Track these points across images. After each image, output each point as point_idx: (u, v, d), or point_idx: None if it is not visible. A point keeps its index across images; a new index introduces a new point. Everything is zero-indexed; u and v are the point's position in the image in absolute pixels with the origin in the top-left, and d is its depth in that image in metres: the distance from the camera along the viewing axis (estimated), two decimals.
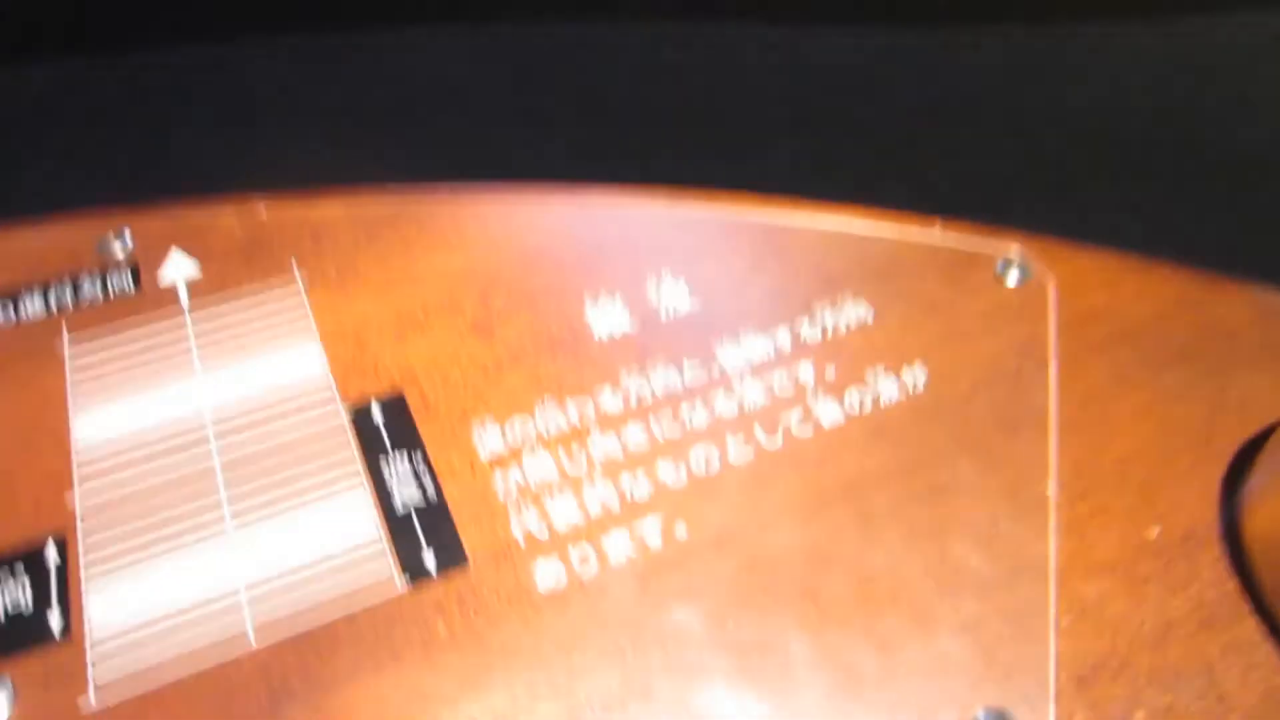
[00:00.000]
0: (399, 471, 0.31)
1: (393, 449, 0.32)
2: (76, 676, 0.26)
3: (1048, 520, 0.29)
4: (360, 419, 0.32)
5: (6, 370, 0.34)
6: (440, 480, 0.31)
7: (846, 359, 0.33)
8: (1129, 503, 0.29)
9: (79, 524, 0.30)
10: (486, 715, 0.25)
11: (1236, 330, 0.33)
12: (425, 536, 0.30)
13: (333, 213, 0.40)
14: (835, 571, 0.28)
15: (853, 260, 0.37)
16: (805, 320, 0.35)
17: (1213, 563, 0.27)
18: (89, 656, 0.27)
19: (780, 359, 0.34)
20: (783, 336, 0.34)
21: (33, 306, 0.36)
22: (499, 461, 0.31)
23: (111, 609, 0.28)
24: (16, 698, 0.26)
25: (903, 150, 0.57)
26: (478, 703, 0.25)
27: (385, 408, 0.33)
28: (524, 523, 0.30)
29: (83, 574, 0.28)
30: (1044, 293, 0.35)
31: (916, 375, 0.33)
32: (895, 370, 0.33)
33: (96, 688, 0.26)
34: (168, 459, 0.31)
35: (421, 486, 0.31)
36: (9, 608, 0.28)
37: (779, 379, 0.33)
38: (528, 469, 0.31)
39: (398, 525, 0.30)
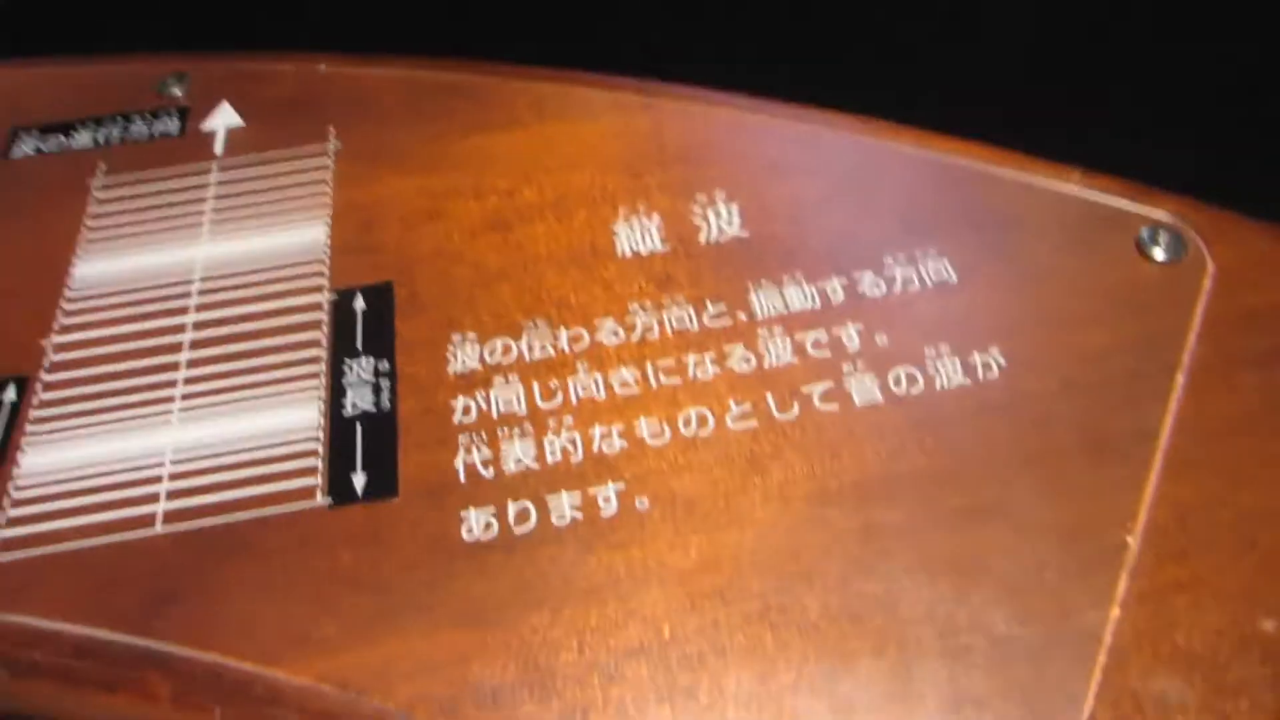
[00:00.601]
0: (360, 373, 0.27)
1: (362, 347, 0.28)
2: None
3: (1118, 580, 0.21)
4: (341, 306, 0.29)
5: (37, 200, 0.33)
6: (400, 392, 0.26)
7: (905, 327, 0.26)
8: (1242, 579, 0.21)
9: (42, 372, 0.27)
10: (361, 670, 0.21)
11: None
12: (364, 455, 0.25)
13: (389, 78, 0.36)
14: (812, 593, 0.21)
15: (950, 204, 0.29)
16: (869, 272, 0.27)
17: None
18: (4, 510, 0.24)
19: (824, 315, 0.27)
20: (835, 288, 0.27)
21: (80, 139, 0.36)
22: (467, 382, 0.26)
23: (40, 467, 0.26)
24: None
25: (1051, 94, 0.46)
26: (356, 653, 0.21)
27: (369, 298, 0.29)
28: (471, 457, 0.25)
29: (27, 426, 0.26)
30: (1197, 277, 0.26)
31: (991, 360, 0.25)
32: (964, 350, 0.25)
33: (1, 541, 0.24)
34: (144, 322, 0.29)
35: (378, 395, 0.26)
36: None
37: (814, 339, 0.26)
38: (495, 396, 0.26)
39: (340, 436, 0.26)
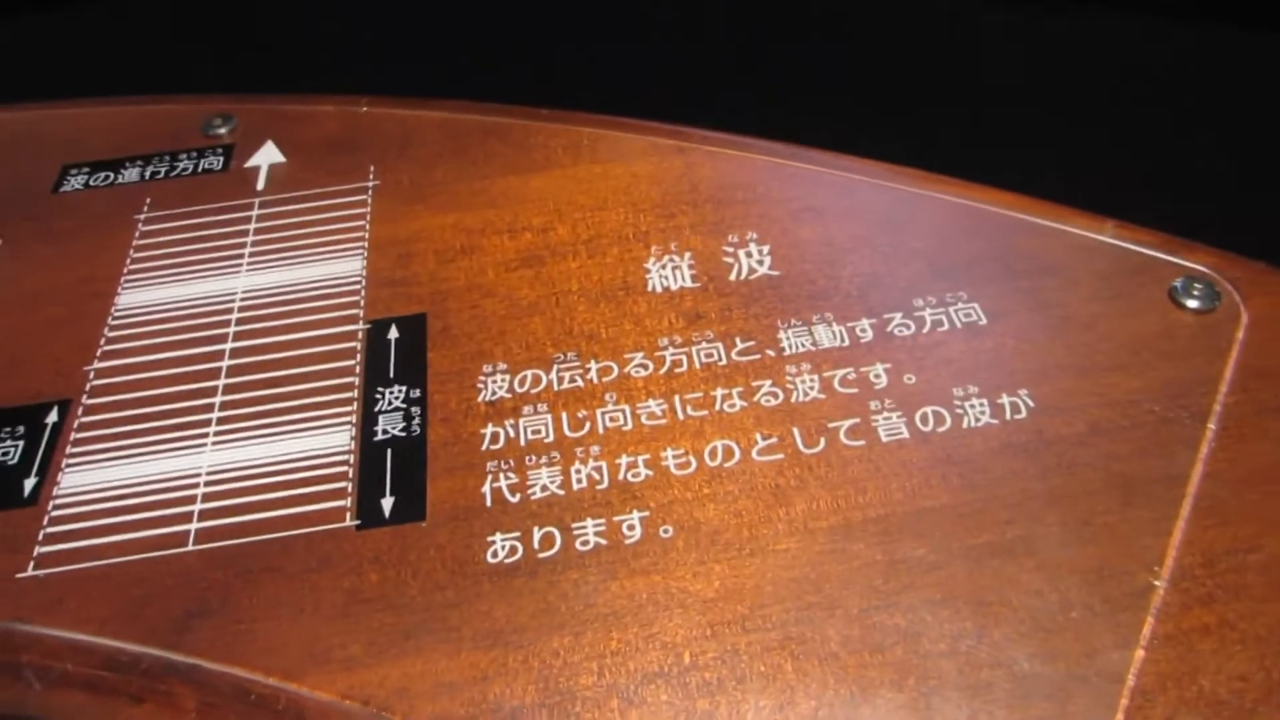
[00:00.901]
0: (392, 401, 0.28)
1: (395, 375, 0.29)
2: (27, 543, 0.25)
3: (1144, 622, 0.21)
4: (375, 336, 0.30)
5: (86, 232, 0.35)
6: (430, 420, 0.27)
7: (933, 367, 0.27)
8: (1269, 625, 0.21)
9: (84, 396, 0.29)
10: (384, 688, 0.22)
11: None
12: (393, 480, 0.26)
13: (429, 119, 0.38)
14: (833, 624, 0.22)
15: (982, 250, 0.30)
16: (898, 314, 0.28)
17: None
18: (43, 526, 0.25)
19: (852, 353, 0.28)
20: (864, 328, 0.28)
21: (129, 175, 0.38)
22: (497, 411, 0.27)
23: (79, 485, 0.28)
24: None
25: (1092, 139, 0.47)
26: (379, 670, 0.22)
27: (403, 328, 0.30)
28: (498, 483, 0.26)
29: (70, 444, 0.27)
30: (1230, 327, 0.27)
31: (1020, 401, 0.26)
32: (992, 391, 0.26)
33: (37, 557, 0.25)
34: (184, 350, 0.31)
35: (408, 422, 0.28)
36: None
37: (842, 376, 0.27)
38: (524, 425, 0.27)
39: (370, 460, 0.27)
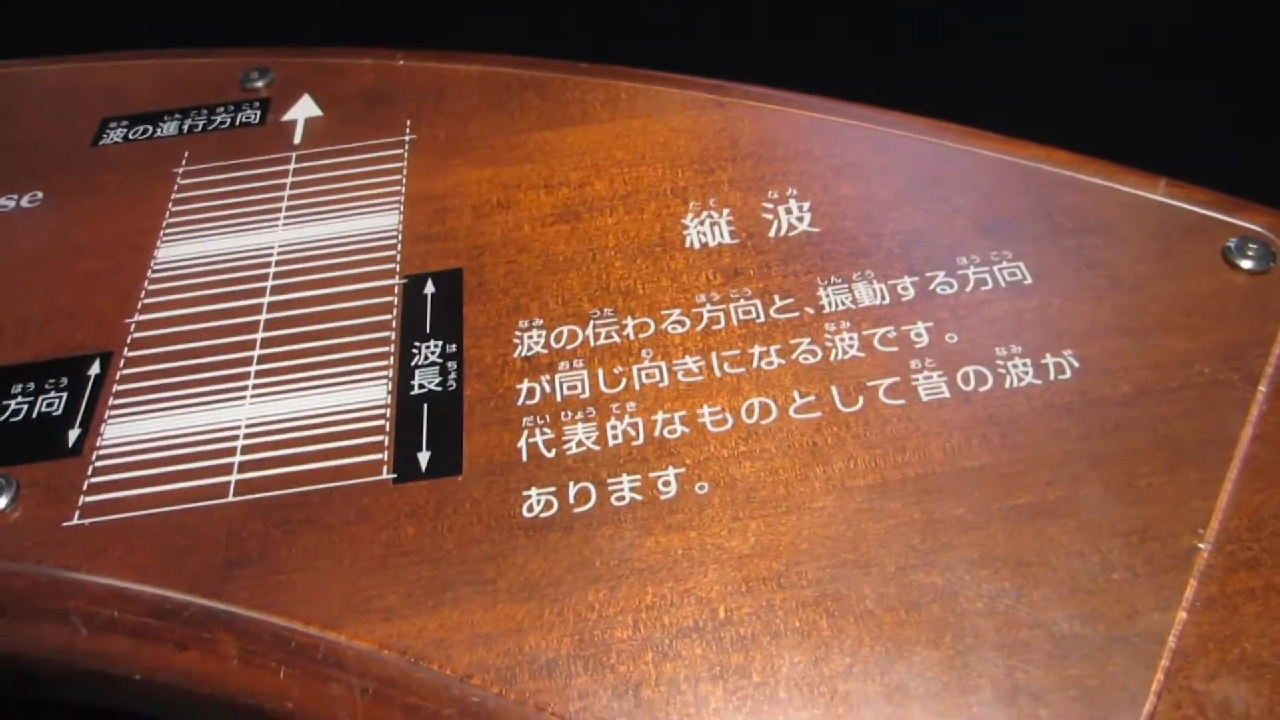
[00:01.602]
0: (429, 355, 0.29)
1: (431, 330, 0.29)
2: (72, 492, 0.26)
3: (1187, 584, 0.21)
4: (411, 290, 0.31)
5: (125, 186, 0.36)
6: (466, 374, 0.28)
7: (977, 327, 0.27)
8: None
9: (125, 349, 0.30)
10: (420, 638, 0.22)
11: None
12: (429, 434, 0.27)
13: (466, 73, 0.38)
14: (869, 582, 0.22)
15: (1028, 208, 0.30)
16: (941, 272, 0.28)
17: None
18: (88, 476, 0.26)
19: (893, 311, 0.28)
20: (905, 286, 0.28)
21: (167, 128, 0.39)
22: (533, 366, 0.28)
23: (122, 436, 0.29)
24: (18, 501, 0.26)
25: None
26: (416, 621, 0.23)
27: (439, 283, 0.31)
28: (534, 438, 0.26)
29: (112, 396, 0.28)
30: None
31: (1064, 362, 0.26)
32: (1036, 352, 0.26)
33: (82, 506, 0.26)
34: (223, 303, 0.32)
35: (445, 376, 0.28)
36: (43, 413, 0.29)
37: (882, 334, 0.27)
38: (559, 380, 0.27)
39: (407, 414, 0.27)
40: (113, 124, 0.38)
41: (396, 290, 0.31)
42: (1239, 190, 0.30)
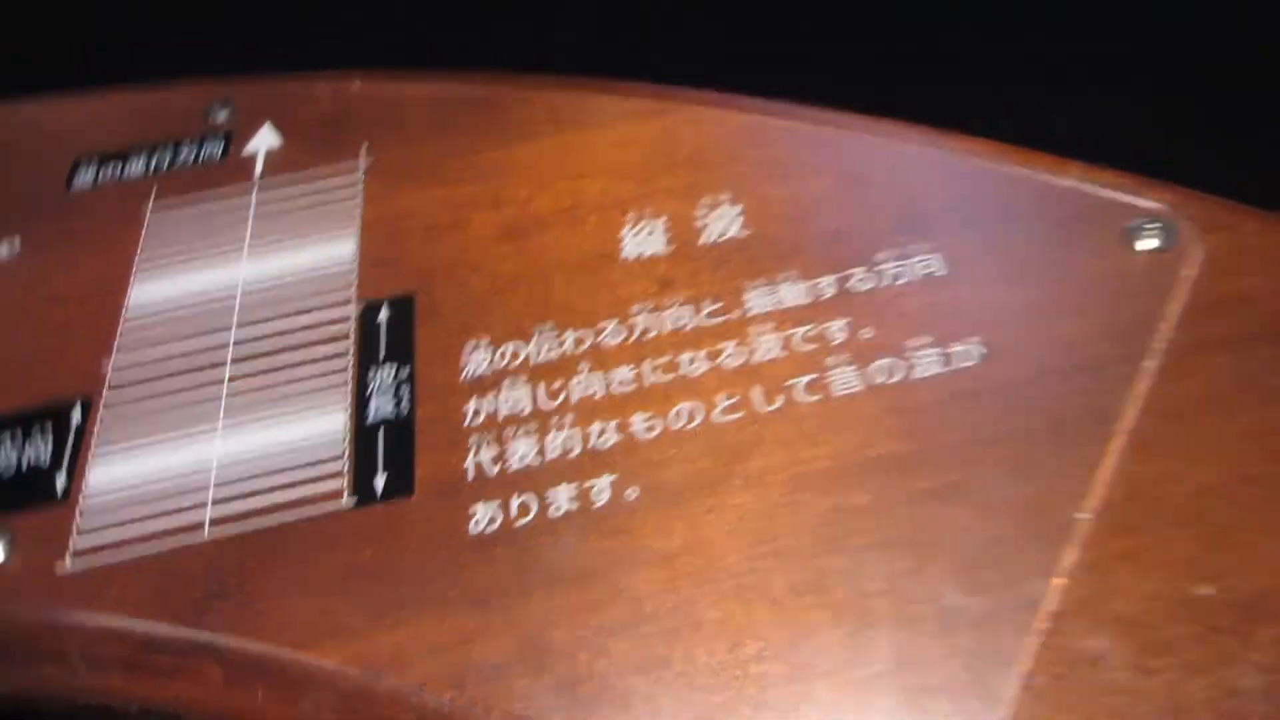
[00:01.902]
0: (383, 381, 0.32)
1: (385, 356, 0.33)
2: (64, 538, 0.30)
3: (1065, 552, 0.25)
4: (367, 317, 0.34)
5: (95, 229, 0.39)
6: (418, 397, 0.31)
7: (892, 320, 0.30)
8: (1185, 549, 0.24)
9: (104, 394, 0.34)
10: (380, 653, 0.26)
11: None
12: (385, 457, 0.31)
13: (419, 94, 0.42)
14: (782, 570, 0.26)
15: (947, 199, 0.33)
16: (861, 269, 0.32)
17: (1272, 643, 0.22)
18: (76, 522, 0.30)
19: (815, 311, 0.31)
20: (827, 284, 0.32)
21: (136, 167, 0.42)
22: (478, 386, 0.31)
23: (105, 481, 0.32)
24: (14, 550, 0.30)
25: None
26: (376, 638, 0.27)
27: (393, 308, 0.34)
28: (479, 457, 0.30)
29: (94, 441, 0.32)
30: (1183, 264, 0.29)
31: (971, 349, 0.29)
32: (945, 341, 0.29)
33: (74, 553, 0.30)
34: (192, 341, 0.35)
35: (398, 401, 0.32)
36: (30, 462, 0.33)
37: (803, 334, 0.30)
38: (503, 399, 0.31)
39: (364, 440, 0.31)
40: (84, 166, 0.41)
41: (353, 318, 0.34)
42: (1162, 171, 0.33)
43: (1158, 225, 0.30)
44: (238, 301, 0.36)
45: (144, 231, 0.39)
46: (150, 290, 0.37)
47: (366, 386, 0.32)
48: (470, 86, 0.42)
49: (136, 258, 0.38)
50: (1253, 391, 0.27)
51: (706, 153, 0.36)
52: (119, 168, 0.42)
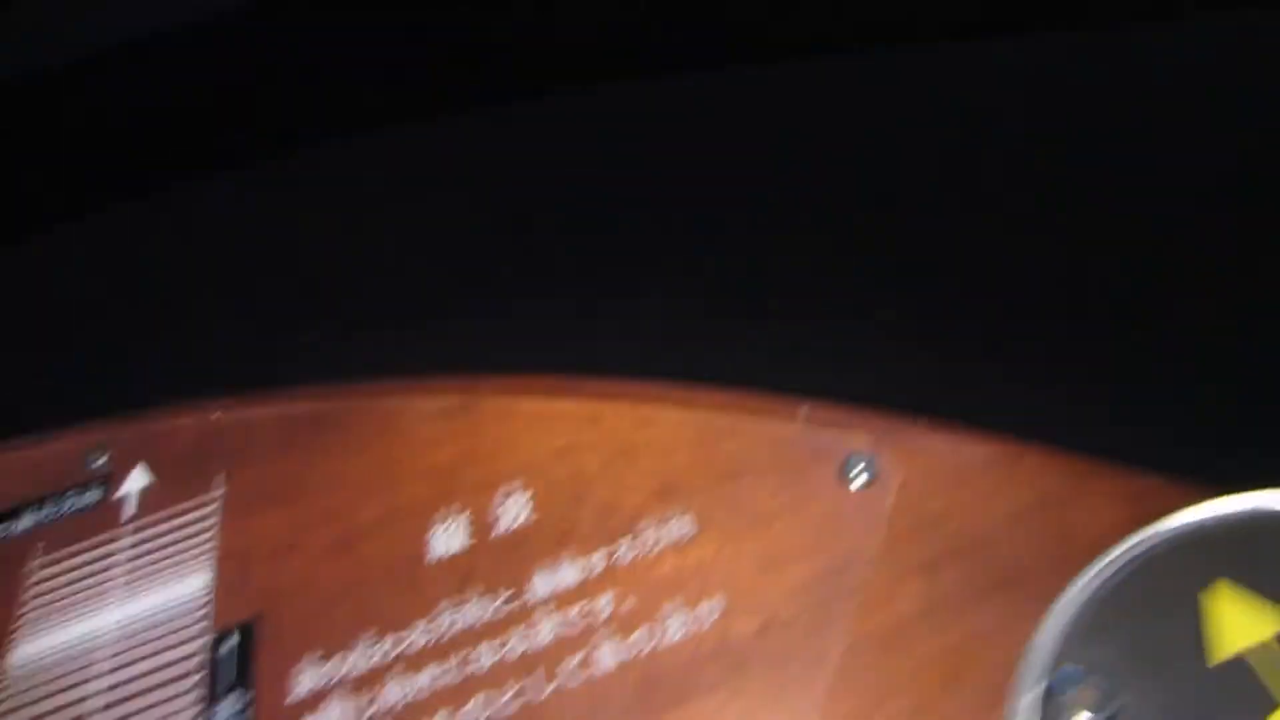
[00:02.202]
0: (232, 708, 0.38)
1: (233, 684, 0.38)
2: None
3: None
4: (218, 648, 0.39)
5: None
6: (259, 717, 0.37)
7: (649, 588, 0.36)
8: None
9: None
10: None
11: (1097, 539, 0.32)
12: None
13: (269, 416, 0.48)
14: None
15: (697, 460, 0.39)
16: (627, 539, 0.37)
17: None
18: None
19: (587, 587, 0.37)
20: (598, 559, 0.37)
21: (25, 523, 0.47)
22: (312, 699, 0.37)
23: None
24: None
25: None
26: None
27: (241, 634, 0.40)
28: None
29: None
30: (886, 496, 0.35)
31: (713, 609, 0.35)
32: (692, 603, 0.35)
33: None
34: (67, 695, 0.40)
35: None
36: None
37: (576, 611, 0.36)
38: (330, 710, 0.36)
39: None
40: None
41: (205, 650, 0.40)
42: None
43: (864, 460, 0.36)
44: (107, 648, 0.41)
45: (26, 588, 0.44)
46: (30, 647, 0.42)
47: (215, 716, 0.37)
48: (310, 403, 0.48)
49: (19, 616, 0.43)
50: (939, 615, 0.32)
51: (503, 442, 0.43)
52: (9, 527, 0.47)
